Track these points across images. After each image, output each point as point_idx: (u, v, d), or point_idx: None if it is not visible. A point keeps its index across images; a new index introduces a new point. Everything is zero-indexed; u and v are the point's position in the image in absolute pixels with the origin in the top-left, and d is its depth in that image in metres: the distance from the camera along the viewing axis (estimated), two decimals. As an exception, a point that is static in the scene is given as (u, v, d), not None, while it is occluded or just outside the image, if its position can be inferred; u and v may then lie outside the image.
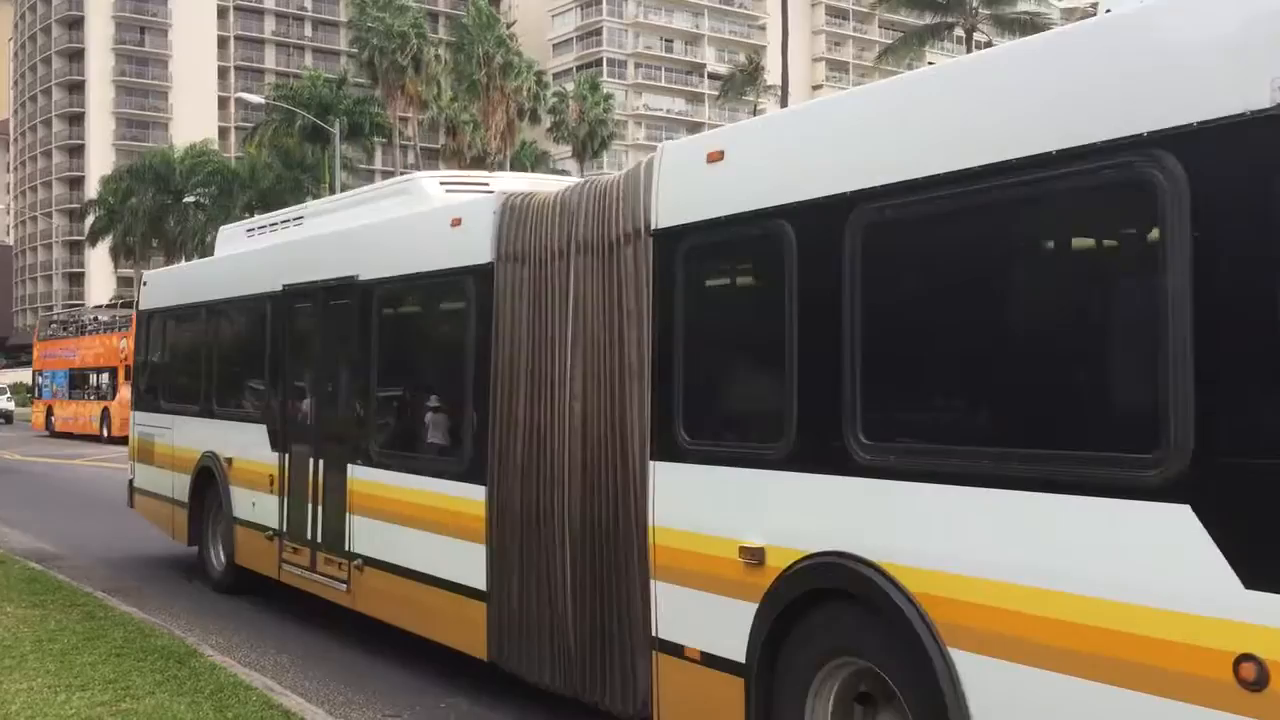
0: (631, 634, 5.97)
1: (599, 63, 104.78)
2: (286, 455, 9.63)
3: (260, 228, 11.37)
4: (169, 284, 13.25)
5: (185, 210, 66.82)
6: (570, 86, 78.39)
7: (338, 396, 9.11)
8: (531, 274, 6.80)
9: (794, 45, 58.29)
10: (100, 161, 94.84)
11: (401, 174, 56.02)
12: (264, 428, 9.99)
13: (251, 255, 11.02)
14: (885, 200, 4.74)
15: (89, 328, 41.71)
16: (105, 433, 36.70)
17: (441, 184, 8.68)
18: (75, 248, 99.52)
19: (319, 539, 9.07)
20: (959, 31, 51.04)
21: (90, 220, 73.90)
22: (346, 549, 8.57)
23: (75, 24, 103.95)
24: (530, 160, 75.93)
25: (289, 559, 9.53)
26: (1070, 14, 43.86)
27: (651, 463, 5.85)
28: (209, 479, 11.05)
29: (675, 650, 5.66)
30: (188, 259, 69.47)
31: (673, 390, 5.77)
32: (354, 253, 8.91)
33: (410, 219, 8.47)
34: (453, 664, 7.73)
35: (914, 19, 53.16)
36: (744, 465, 5.36)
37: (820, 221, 4.99)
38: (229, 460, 10.61)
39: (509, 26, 66.91)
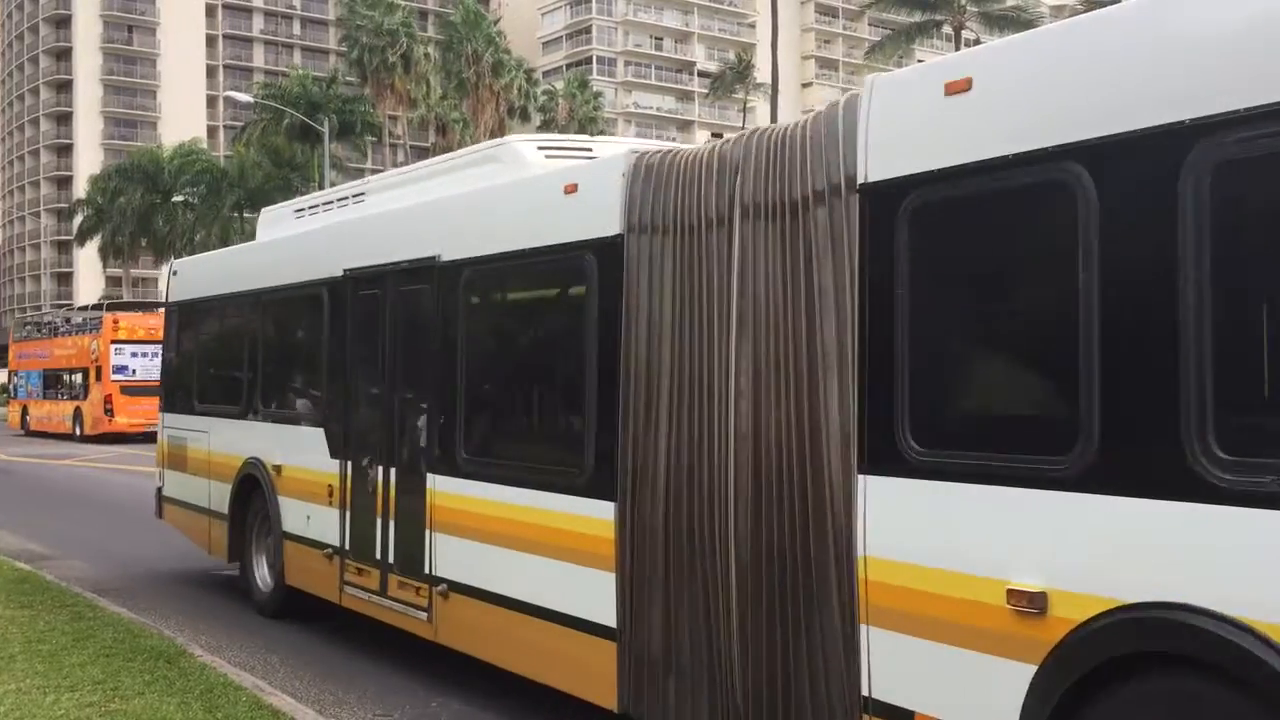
0: (829, 691, 4.81)
1: (589, 61, 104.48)
2: (349, 463, 8.42)
3: (311, 207, 10.16)
4: (203, 273, 11.87)
5: (174, 209, 66.28)
6: (560, 84, 78.17)
7: (414, 396, 7.86)
8: (676, 246, 5.64)
9: (783, 43, 58.22)
10: (88, 161, 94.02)
11: (391, 172, 56.17)
12: (321, 432, 8.81)
13: (303, 238, 9.77)
14: (1251, 130, 3.52)
15: (61, 329, 41.69)
16: (78, 431, 36.77)
17: (540, 148, 7.50)
18: (64, 247, 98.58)
19: (391, 559, 7.87)
20: (947, 29, 51.33)
21: (78, 220, 73.27)
22: (426, 572, 7.39)
23: (63, 23, 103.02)
24: (520, 158, 75.41)
25: (353, 581, 8.30)
26: (1059, 11, 43.95)
27: (860, 477, 4.68)
28: (253, 488, 9.87)
29: (899, 716, 4.51)
30: (176, 258, 68.87)
31: (894, 386, 4.55)
32: (434, 230, 7.70)
33: (506, 188, 7.22)
34: (444, 665, 7.70)
35: (903, 16, 53.29)
36: (1008, 483, 4.12)
37: (1138, 162, 3.82)
38: (277, 468, 9.40)
39: (496, 24, 66.83)
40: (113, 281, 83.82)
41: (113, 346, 35.22)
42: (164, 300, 12.61)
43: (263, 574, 9.96)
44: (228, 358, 10.99)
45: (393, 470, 7.93)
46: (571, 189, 6.39)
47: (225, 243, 68.32)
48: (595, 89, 78.92)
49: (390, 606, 7.85)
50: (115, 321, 35.76)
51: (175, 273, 12.24)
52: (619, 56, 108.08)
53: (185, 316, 11.82)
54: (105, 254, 72.97)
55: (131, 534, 13.21)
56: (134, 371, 34.85)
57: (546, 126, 73.48)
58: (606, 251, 6.02)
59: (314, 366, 9.31)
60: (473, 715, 6.94)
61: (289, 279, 9.56)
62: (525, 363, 7.30)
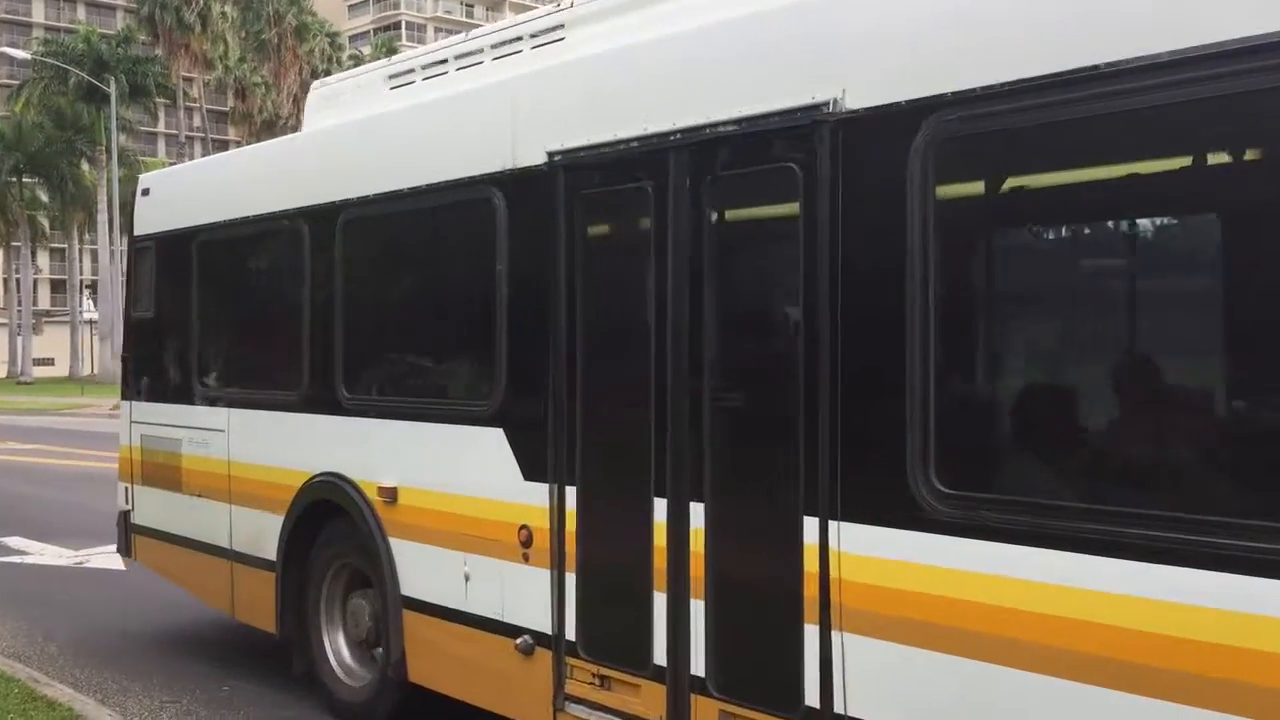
0: None
1: (397, 26, 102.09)
2: (578, 490, 4.87)
3: (426, 66, 6.25)
4: (204, 187, 7.82)
5: (-58, 173, 62.06)
6: (367, 50, 76.19)
7: (760, 376, 4.37)
8: None
9: (595, 14, 58.26)
10: None
11: (187, 138, 53.98)
12: (497, 435, 5.19)
13: (427, 112, 5.91)
14: None
15: None
16: None
17: None
18: None
19: (703, 668, 4.34)
20: None
21: None
22: (813, 705, 3.97)
23: None
24: (326, 125, 73.46)
25: (590, 698, 4.82)
26: None
27: None
28: (322, 522, 6.28)
29: None
30: (-52, 226, 64.89)
31: None
32: (818, 51, 4.11)
33: None
34: (233, 649, 7.47)
35: None
36: None
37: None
38: (388, 492, 5.75)
39: (301, -15, 64.74)
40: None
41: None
42: (130, 234, 8.37)
43: (343, 659, 6.34)
44: (267, 314, 7.15)
45: (702, 508, 4.35)
46: None
47: (3, 212, 64.71)
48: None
49: None
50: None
51: (147, 192, 8.06)
52: (429, 23, 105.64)
53: (171, 255, 7.70)
54: None
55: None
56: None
57: (353, 93, 71.59)
58: None
59: (475, 321, 5.57)
60: (265, 695, 6.63)
61: (403, 181, 5.77)
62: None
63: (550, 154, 4.95)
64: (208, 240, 7.39)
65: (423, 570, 5.63)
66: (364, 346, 6.23)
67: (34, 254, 70.38)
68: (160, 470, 7.62)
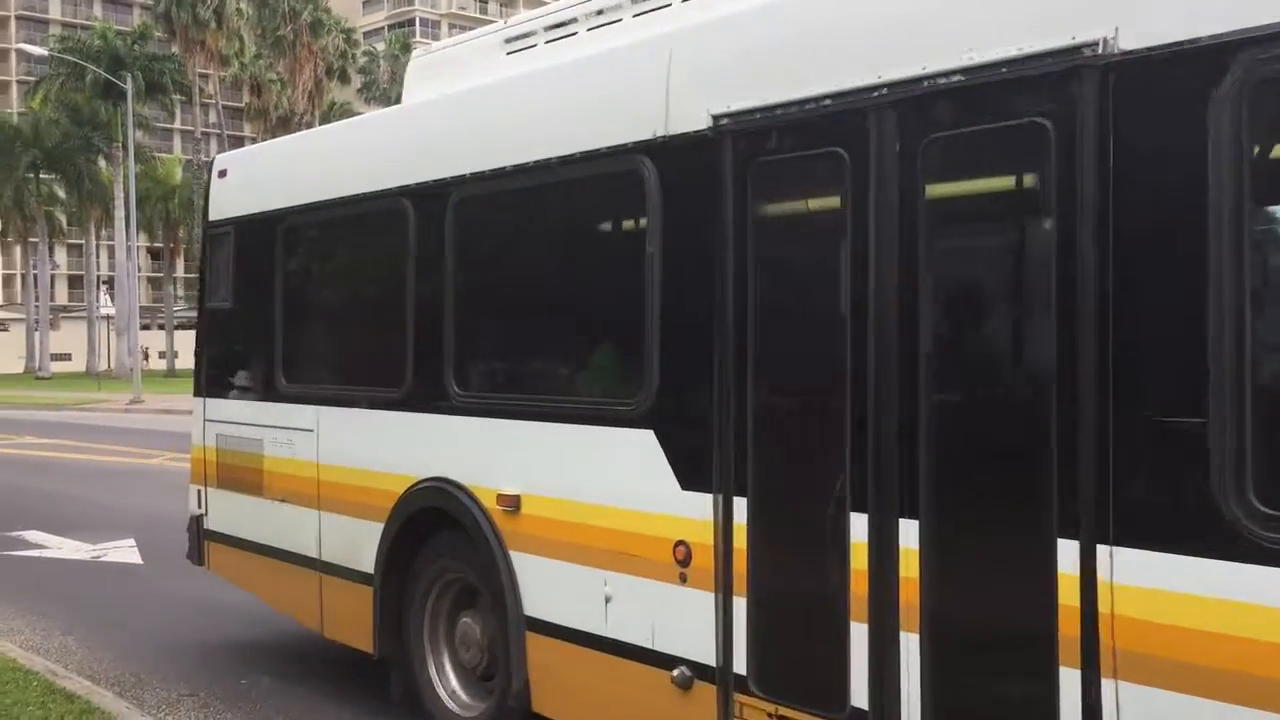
0: None
1: (411, 23, 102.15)
2: (750, 502, 4.17)
3: (550, 28, 5.54)
4: (291, 167, 7.09)
5: (-40, 170, 62.36)
6: (381, 46, 76.34)
7: (983, 367, 3.79)
8: None
9: (609, 10, 58.33)
10: None
11: (203, 134, 53.96)
12: (645, 437, 4.50)
13: (552, 77, 5.23)
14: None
15: None
16: None
17: None
18: None
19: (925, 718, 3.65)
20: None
21: None
22: None
23: None
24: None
25: None
26: None
27: None
28: (431, 532, 5.60)
29: None
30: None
31: None
32: None
33: None
34: (251, 643, 7.48)
35: None
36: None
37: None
38: (510, 500, 5.06)
39: (315, -18, 64.87)
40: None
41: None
42: (205, 218, 7.58)
43: (450, 684, 5.68)
44: (363, 303, 6.60)
45: (915, 526, 3.68)
46: None
47: (20, 208, 65.05)
48: (418, 51, 77.40)
49: None
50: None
51: (224, 174, 7.42)
52: (443, 19, 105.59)
53: (253, 241, 7.02)
54: (-117, 218, 67.89)
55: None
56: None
57: (368, 89, 71.66)
58: None
59: (617, 309, 4.95)
60: (284, 689, 6.57)
61: (529, 154, 5.09)
62: None
63: (715, 117, 4.25)
64: (295, 224, 6.73)
65: (551, 589, 4.92)
66: (479, 338, 5.55)
67: (51, 250, 70.61)
68: (238, 473, 6.95)
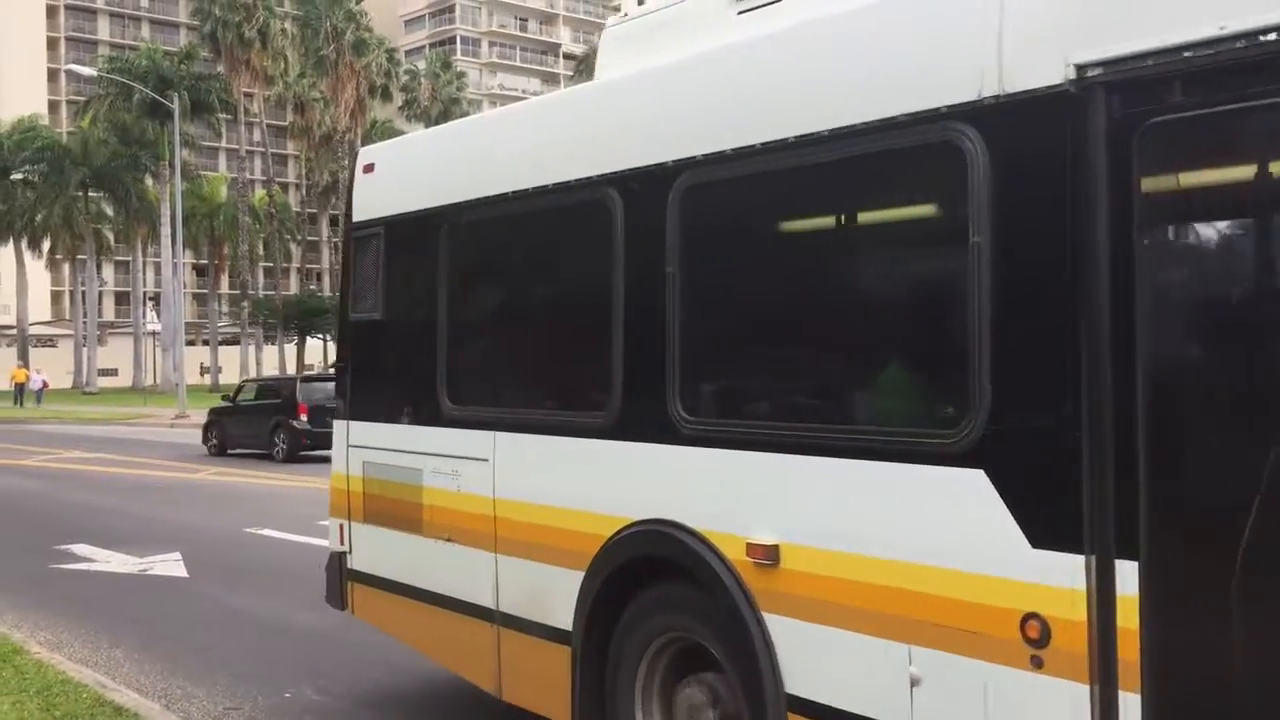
0: None
1: (452, 41, 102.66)
2: (1145, 566, 3.12)
3: None
4: (455, 157, 5.97)
5: (12, 188, 63.32)
6: (422, 64, 76.86)
7: None
8: None
9: (648, 27, 58.52)
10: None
11: (248, 153, 54.42)
12: (976, 479, 3.47)
13: (818, 32, 4.13)
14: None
15: None
16: None
17: None
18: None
19: None
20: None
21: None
22: None
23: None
24: (383, 139, 74.20)
25: None
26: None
27: None
28: (646, 583, 4.64)
29: None
30: (16, 241, 66.23)
31: None
32: None
33: None
34: (296, 654, 7.55)
35: (766, 3, 53.76)
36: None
37: None
38: (764, 550, 4.06)
39: (359, 3, 65.57)
40: (-54, 264, 79.40)
41: None
42: (347, 218, 6.68)
43: None
44: (554, 312, 5.49)
45: None
46: None
47: (70, 225, 66.05)
48: (459, 69, 77.59)
49: None
50: None
51: (370, 168, 6.48)
52: (483, 37, 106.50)
53: (409, 242, 6.13)
54: (-62, 235, 69.18)
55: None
56: None
57: (409, 106, 72.18)
58: None
59: (922, 314, 3.98)
60: (325, 705, 6.59)
61: (786, 128, 4.09)
62: None
63: (1080, 67, 3.28)
64: (464, 222, 5.72)
65: (824, 662, 3.91)
66: (718, 353, 4.56)
67: (99, 267, 71.61)
68: (392, 506, 6.06)
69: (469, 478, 5.48)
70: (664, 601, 4.59)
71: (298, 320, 67.14)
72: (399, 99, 70.30)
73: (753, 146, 4.21)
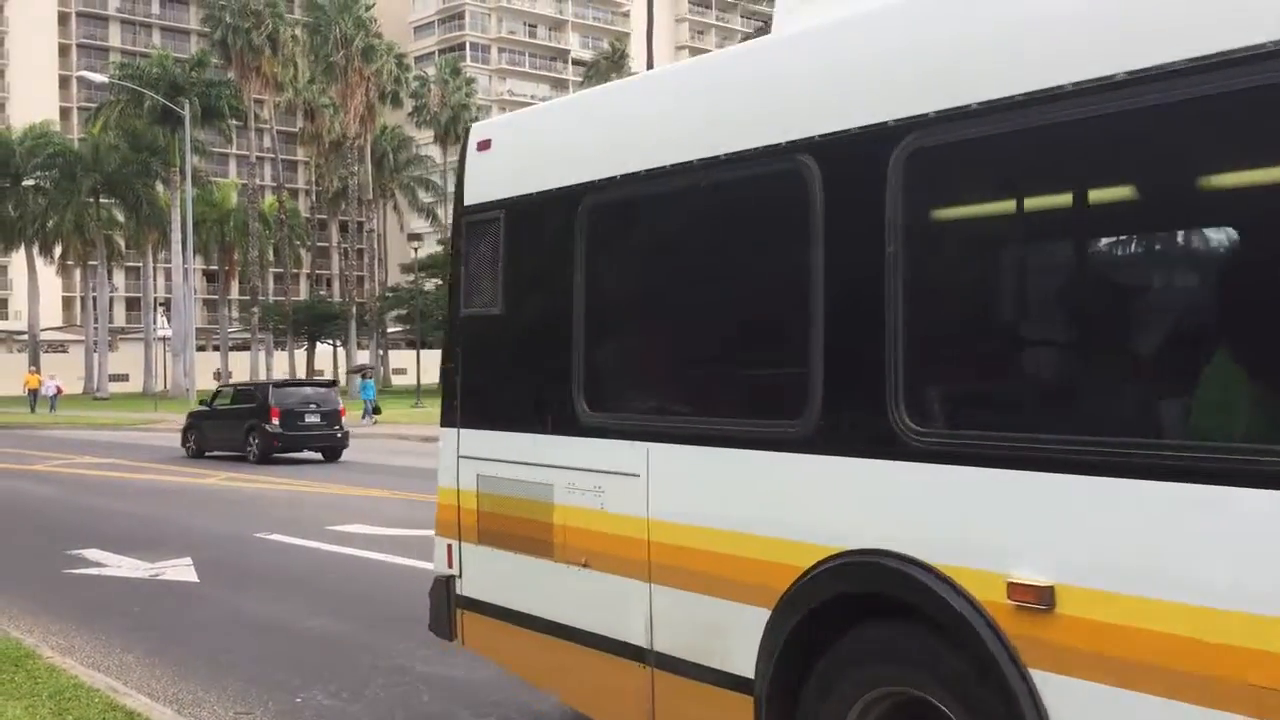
0: None
1: (461, 47, 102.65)
2: None
3: None
4: (594, 127, 5.14)
5: (24, 194, 63.65)
6: (432, 70, 76.91)
7: None
8: None
9: (657, 33, 58.42)
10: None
11: (258, 159, 54.63)
12: None
13: None
14: None
15: None
16: None
17: None
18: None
19: None
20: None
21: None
22: None
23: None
24: (392, 145, 74.99)
25: None
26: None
27: None
28: (853, 625, 3.84)
29: None
30: (28, 246, 66.37)
31: None
32: None
33: None
34: (308, 659, 7.56)
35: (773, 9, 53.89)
36: None
37: None
38: (1033, 592, 3.23)
39: (369, 10, 65.76)
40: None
41: None
42: (459, 201, 5.81)
43: None
44: (725, 302, 4.58)
45: None
46: None
47: (81, 231, 66.32)
48: (468, 76, 77.61)
49: None
50: None
51: (486, 145, 5.65)
52: (492, 43, 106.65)
53: (538, 227, 5.34)
54: (-50, 241, 69.52)
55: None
56: None
57: (419, 113, 72.16)
58: None
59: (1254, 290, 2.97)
60: (338, 710, 6.57)
61: (1046, 76, 3.28)
62: None
63: None
64: (609, 201, 4.92)
65: None
66: (955, 348, 3.74)
67: (110, 273, 71.95)
68: (514, 526, 5.33)
69: (614, 495, 4.75)
70: (882, 648, 3.80)
71: (308, 326, 67.34)
72: (409, 105, 70.44)
73: (1002, 100, 3.39)
